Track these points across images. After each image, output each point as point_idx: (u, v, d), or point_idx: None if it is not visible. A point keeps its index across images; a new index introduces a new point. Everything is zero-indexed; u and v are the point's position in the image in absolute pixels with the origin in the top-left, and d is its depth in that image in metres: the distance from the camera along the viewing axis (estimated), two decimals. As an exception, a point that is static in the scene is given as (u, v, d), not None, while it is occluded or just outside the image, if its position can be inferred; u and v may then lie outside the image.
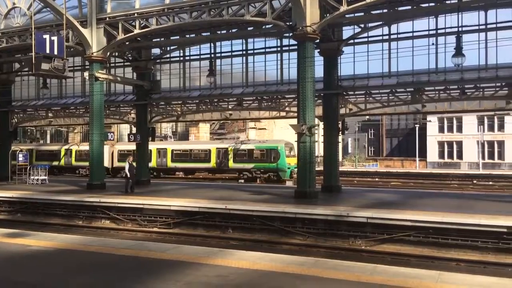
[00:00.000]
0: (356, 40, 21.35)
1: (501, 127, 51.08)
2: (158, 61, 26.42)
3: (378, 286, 6.53)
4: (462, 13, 18.58)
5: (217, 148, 35.94)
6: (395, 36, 20.68)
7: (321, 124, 21.72)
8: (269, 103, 23.88)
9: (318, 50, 20.47)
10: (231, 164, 34.98)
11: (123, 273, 7.39)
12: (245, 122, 44.95)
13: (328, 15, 17.40)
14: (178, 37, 23.81)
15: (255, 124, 45.22)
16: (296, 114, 18.71)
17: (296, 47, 18.76)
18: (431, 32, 19.91)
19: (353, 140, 65.24)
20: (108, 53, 22.76)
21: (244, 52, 23.93)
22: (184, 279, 6.85)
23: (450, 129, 54.24)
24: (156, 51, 26.06)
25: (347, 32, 21.38)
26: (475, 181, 35.07)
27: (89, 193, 19.80)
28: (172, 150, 37.24)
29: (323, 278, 6.98)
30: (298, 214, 14.39)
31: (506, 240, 11.69)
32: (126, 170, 20.19)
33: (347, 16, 18.99)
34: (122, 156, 37.78)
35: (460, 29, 18.54)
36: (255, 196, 18.63)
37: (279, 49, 23.07)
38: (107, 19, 21.52)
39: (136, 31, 21.02)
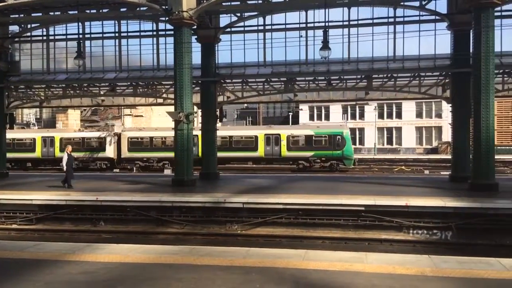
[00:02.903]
0: (233, 29, 21.59)
1: (362, 116, 56.60)
2: (16, 39, 23.61)
3: (249, 269, 6.72)
4: (329, 9, 19.88)
5: (265, 134, 32.22)
6: (269, 27, 21.40)
7: (199, 112, 21.66)
8: (145, 89, 23.01)
9: (196, 36, 20.29)
10: (284, 152, 31.71)
11: (-32, 279, 6.47)
12: (120, 108, 42.83)
13: (205, 1, 17.26)
14: (40, 14, 21.50)
15: (131, 111, 43.37)
16: (173, 101, 18.33)
17: (172, 32, 18.30)
18: (301, 25, 21.02)
19: (232, 128, 66.56)
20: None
21: (116, 34, 22.60)
22: (43, 278, 6.24)
23: (319, 117, 58.42)
24: (14, 28, 23.24)
25: (224, 20, 21.52)
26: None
27: None
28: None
29: (198, 266, 6.96)
30: (175, 203, 14.18)
31: (363, 218, 12.97)
32: (64, 163, 17.07)
33: (224, 4, 19.07)
34: (135, 144, 33.43)
35: (327, 24, 19.85)
36: (130, 186, 17.90)
37: (155, 33, 22.27)
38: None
39: (-12, 3, 18.46)
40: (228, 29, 21.43)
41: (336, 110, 55.50)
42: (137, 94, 23.27)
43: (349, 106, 54.84)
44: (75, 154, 32.30)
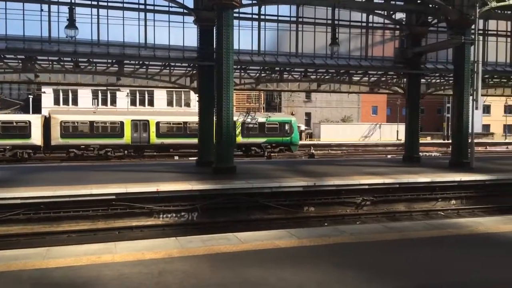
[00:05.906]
0: None
1: (114, 102, 55.13)
2: None
3: (-27, 280, 5.62)
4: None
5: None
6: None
7: None
8: None
9: None
10: (239, 138, 33.18)
11: None
12: None
13: None
14: None
15: None
16: None
17: None
18: (43, -2, 18.80)
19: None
20: None
21: None
22: None
23: (66, 101, 53.97)
24: None
25: None
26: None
27: None
28: (158, 123, 32.52)
29: None
30: None
31: (114, 206, 12.66)
32: None
33: None
34: (68, 130, 30.48)
35: (73, 1, 18.40)
36: None
37: None
38: None
39: None
40: None
41: (85, 94, 52.37)
42: None
43: (100, 91, 52.56)
44: None
